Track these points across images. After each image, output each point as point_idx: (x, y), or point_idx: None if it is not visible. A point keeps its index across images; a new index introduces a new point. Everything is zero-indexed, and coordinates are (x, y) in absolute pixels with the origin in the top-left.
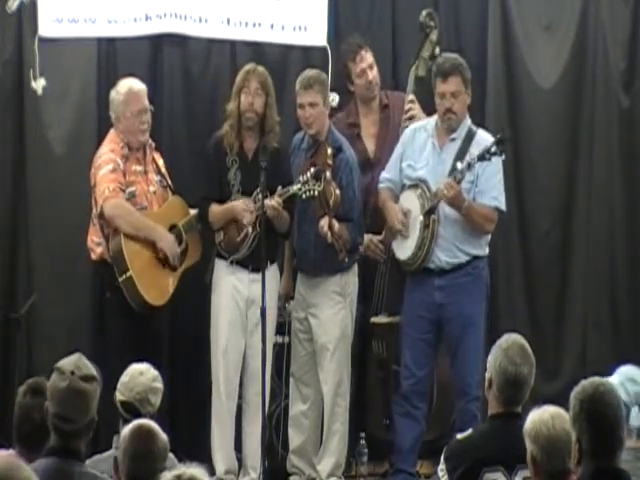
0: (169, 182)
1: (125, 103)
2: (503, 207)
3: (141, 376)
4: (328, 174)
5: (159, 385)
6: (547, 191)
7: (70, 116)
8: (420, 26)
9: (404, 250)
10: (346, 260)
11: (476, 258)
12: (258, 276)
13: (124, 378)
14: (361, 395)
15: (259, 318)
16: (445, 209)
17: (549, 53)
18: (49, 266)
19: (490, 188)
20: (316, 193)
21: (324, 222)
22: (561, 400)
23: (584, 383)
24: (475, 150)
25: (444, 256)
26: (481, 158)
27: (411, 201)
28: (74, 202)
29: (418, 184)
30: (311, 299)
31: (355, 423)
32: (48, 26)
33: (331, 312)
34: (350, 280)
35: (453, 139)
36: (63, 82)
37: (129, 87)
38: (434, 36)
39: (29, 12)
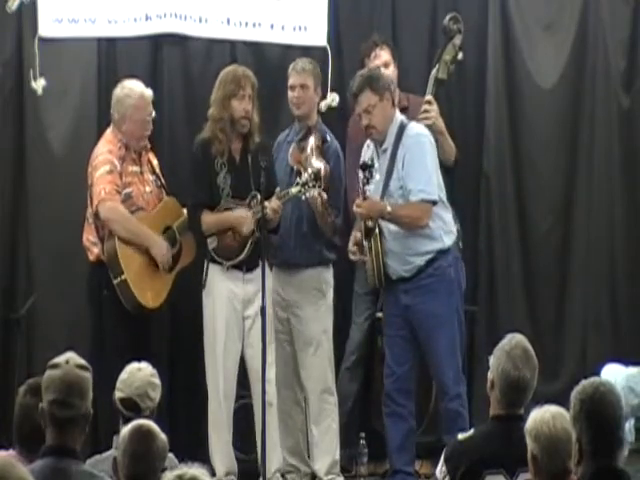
0: (163, 182)
1: (136, 107)
2: (432, 197)
3: (139, 372)
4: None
5: (157, 381)
6: (547, 191)
7: (70, 116)
8: (443, 29)
9: (367, 275)
10: (336, 228)
11: (436, 257)
12: (252, 275)
13: (123, 375)
14: (367, 391)
15: (257, 317)
16: (387, 224)
17: (549, 53)
18: (49, 266)
19: (414, 184)
20: (316, 193)
21: (315, 192)
22: (561, 400)
23: (585, 383)
24: (401, 153)
25: (400, 266)
26: (363, 185)
27: (359, 225)
28: (74, 202)
29: None
30: (290, 297)
31: (358, 421)
32: (48, 26)
33: (312, 308)
34: (329, 277)
35: (385, 150)
36: (63, 82)
37: (142, 92)
38: (457, 40)
39: (29, 12)
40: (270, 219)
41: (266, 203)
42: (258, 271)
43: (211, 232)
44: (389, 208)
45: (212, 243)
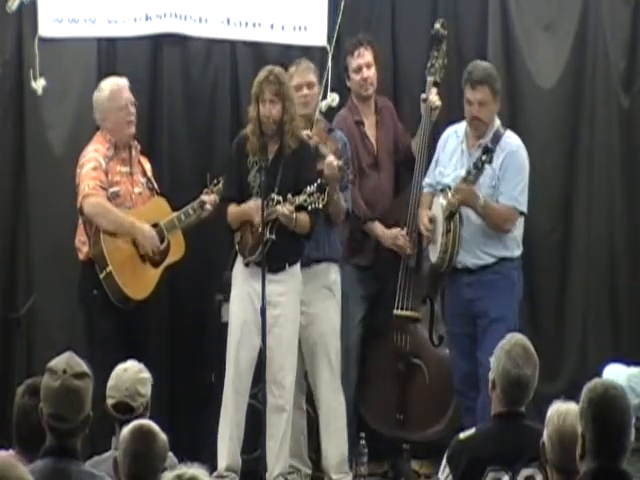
0: (155, 185)
1: (110, 99)
2: (522, 208)
3: (126, 373)
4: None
5: (146, 375)
6: (547, 191)
7: (70, 116)
8: (436, 34)
9: (433, 253)
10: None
11: (503, 260)
12: (275, 277)
13: (110, 382)
14: (370, 389)
15: (276, 319)
16: (468, 212)
17: (549, 53)
18: (49, 266)
19: (509, 189)
20: (320, 205)
21: (320, 204)
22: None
23: (597, 381)
24: (498, 154)
25: (468, 257)
26: (475, 167)
27: (437, 207)
28: (74, 202)
29: (445, 189)
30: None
31: (358, 422)
32: (48, 26)
33: (322, 307)
34: (337, 276)
35: (480, 145)
36: (63, 82)
37: (112, 82)
38: (444, 45)
39: (29, 12)
40: (284, 223)
41: (279, 207)
42: (285, 273)
43: (234, 225)
44: (482, 202)
45: (237, 237)
